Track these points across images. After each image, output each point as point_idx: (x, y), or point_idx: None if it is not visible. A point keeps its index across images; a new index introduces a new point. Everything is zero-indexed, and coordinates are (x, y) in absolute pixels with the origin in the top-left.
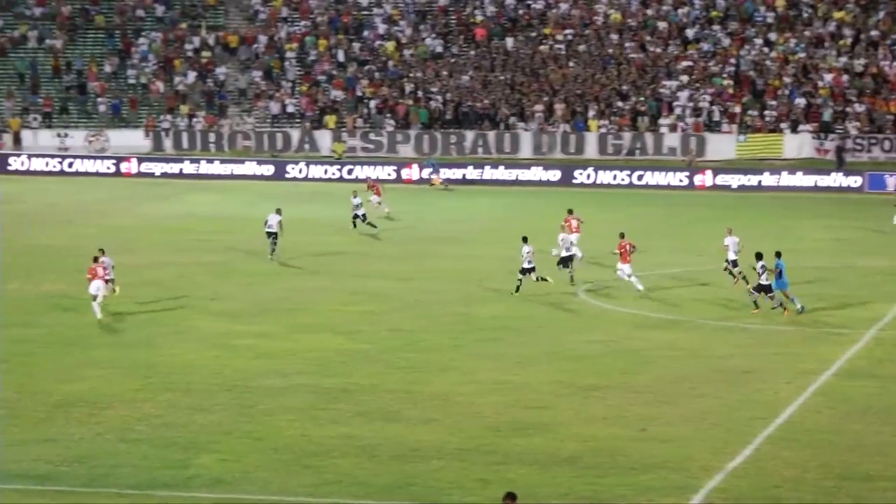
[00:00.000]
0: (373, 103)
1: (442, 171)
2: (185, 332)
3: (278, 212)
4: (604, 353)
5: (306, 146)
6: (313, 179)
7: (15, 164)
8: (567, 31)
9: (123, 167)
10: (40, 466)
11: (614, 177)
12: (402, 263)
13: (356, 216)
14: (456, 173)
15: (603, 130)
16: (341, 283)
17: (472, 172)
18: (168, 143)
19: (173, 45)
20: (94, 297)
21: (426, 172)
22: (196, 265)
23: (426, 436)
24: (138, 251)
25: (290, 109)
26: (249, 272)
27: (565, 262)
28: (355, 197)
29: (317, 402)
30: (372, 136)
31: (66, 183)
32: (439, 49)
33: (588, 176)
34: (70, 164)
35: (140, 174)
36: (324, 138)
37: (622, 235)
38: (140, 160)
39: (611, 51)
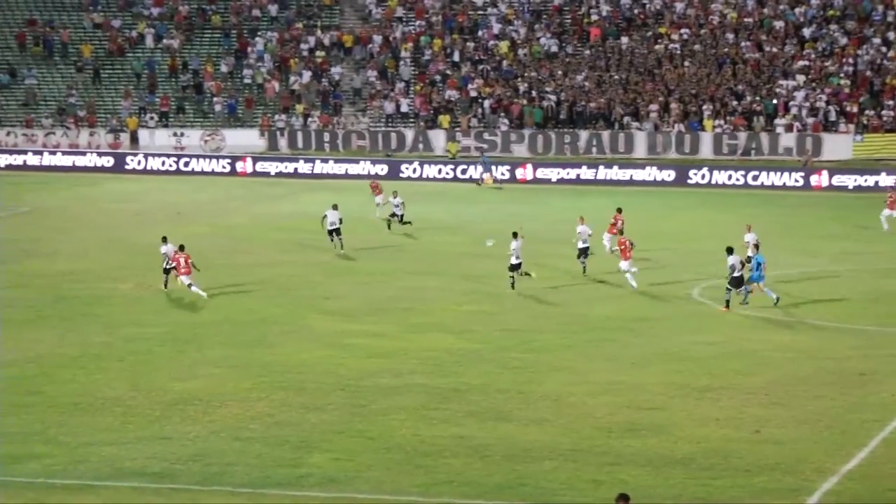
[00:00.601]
0: (487, 103)
1: (518, 169)
2: (299, 331)
3: (335, 207)
4: (718, 354)
5: (420, 146)
6: (427, 179)
7: (132, 163)
8: (683, 31)
9: (239, 166)
10: (156, 464)
11: (729, 177)
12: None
13: (393, 215)
14: (570, 173)
15: (718, 130)
16: (455, 283)
17: (586, 172)
18: (283, 143)
19: (289, 45)
20: (189, 286)
21: (479, 170)
22: (310, 264)
23: (538, 436)
24: (253, 250)
25: (404, 109)
26: (363, 271)
27: (584, 252)
28: (395, 197)
29: (429, 402)
30: (486, 136)
31: (181, 182)
32: (554, 48)
33: (703, 176)
34: (186, 164)
35: (255, 173)
36: (438, 138)
37: (621, 232)
38: (255, 160)
39: (726, 50)
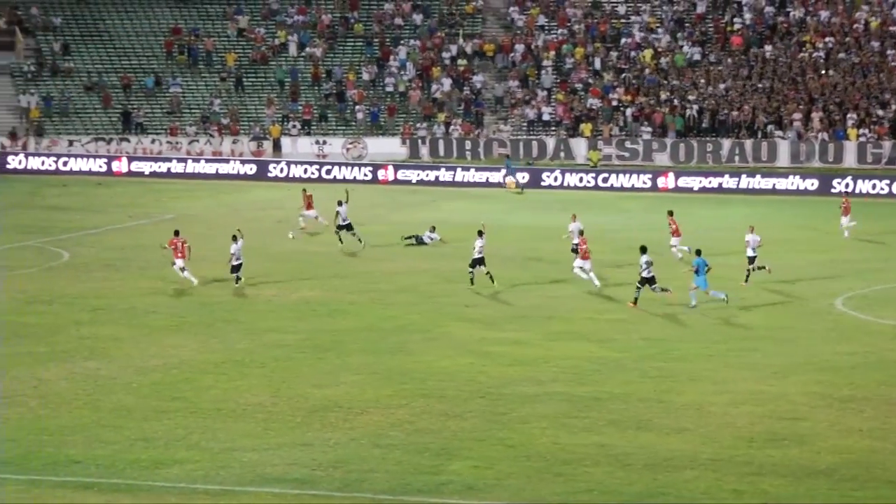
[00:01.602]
0: (629, 111)
1: (659, 178)
2: (440, 339)
3: (340, 203)
4: (860, 364)
5: (561, 154)
6: (568, 187)
7: (274, 170)
8: (827, 39)
9: (380, 174)
10: (297, 471)
11: (873, 186)
12: (656, 272)
13: (345, 227)
14: (712, 182)
15: (862, 139)
16: (596, 292)
17: (728, 181)
18: (424, 151)
19: (431, 54)
20: (182, 269)
21: (503, 175)
22: (450, 272)
23: (679, 445)
24: (393, 258)
25: (545, 117)
26: (504, 279)
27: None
28: (341, 205)
29: (570, 410)
30: (627, 145)
31: (324, 189)
32: (696, 57)
33: (847, 185)
34: (328, 171)
35: (396, 181)
36: (579, 146)
37: (581, 233)
38: (396, 167)
39: (871, 58)
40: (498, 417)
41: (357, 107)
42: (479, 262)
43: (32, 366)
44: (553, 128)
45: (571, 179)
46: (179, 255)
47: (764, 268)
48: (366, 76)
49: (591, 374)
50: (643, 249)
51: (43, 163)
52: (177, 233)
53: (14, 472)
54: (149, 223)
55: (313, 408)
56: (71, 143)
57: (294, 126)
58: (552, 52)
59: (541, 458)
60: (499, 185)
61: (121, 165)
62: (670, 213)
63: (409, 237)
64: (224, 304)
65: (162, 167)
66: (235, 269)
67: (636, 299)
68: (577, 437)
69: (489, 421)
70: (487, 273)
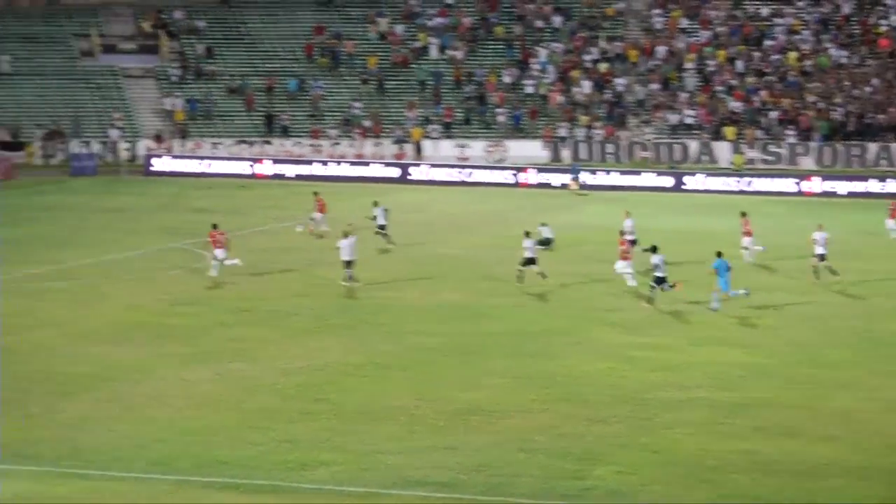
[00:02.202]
0: (773, 114)
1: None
2: (583, 343)
3: (376, 204)
4: None
5: (705, 157)
6: (712, 191)
7: (416, 173)
8: None
9: (521, 177)
10: (441, 474)
11: None
12: (799, 279)
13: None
14: (858, 186)
15: None
16: (740, 297)
17: (874, 186)
18: (566, 154)
19: (572, 56)
20: (223, 260)
21: (569, 177)
22: (592, 276)
23: (827, 453)
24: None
25: (688, 120)
26: (645, 284)
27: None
28: (376, 206)
29: (715, 416)
30: (771, 148)
31: (465, 193)
32: (842, 59)
33: None
34: (469, 174)
35: (538, 184)
36: (722, 150)
37: (621, 233)
38: (538, 170)
39: None
40: (642, 423)
41: (498, 110)
42: (531, 261)
43: (178, 367)
44: (695, 131)
45: (714, 183)
46: (219, 245)
47: (836, 273)
48: (507, 79)
49: (736, 380)
50: (654, 249)
51: (187, 165)
52: (215, 226)
53: (162, 472)
54: (292, 225)
55: (457, 411)
56: (215, 145)
57: (435, 129)
58: (694, 55)
59: (686, 464)
60: (642, 188)
61: (264, 168)
62: (743, 214)
63: (539, 242)
64: (367, 306)
65: (305, 170)
66: (347, 264)
67: (650, 299)
68: (722, 443)
69: (633, 426)
70: (540, 272)
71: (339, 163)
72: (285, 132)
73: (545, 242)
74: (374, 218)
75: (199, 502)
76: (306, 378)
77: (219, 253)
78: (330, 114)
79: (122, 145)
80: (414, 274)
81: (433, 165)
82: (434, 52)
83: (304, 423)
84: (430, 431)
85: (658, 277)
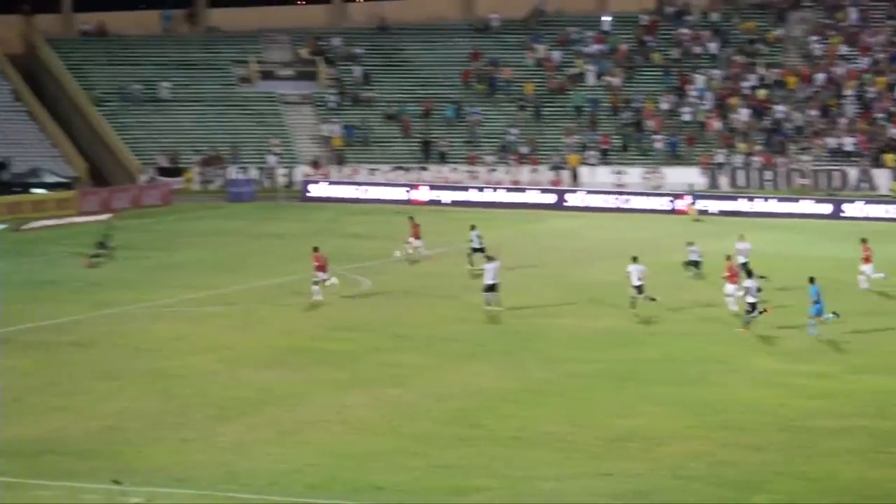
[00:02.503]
0: None
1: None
2: (740, 370)
3: (473, 228)
4: None
5: (864, 184)
6: (871, 218)
7: (572, 199)
8: None
9: (679, 204)
10: (597, 500)
11: None
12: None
13: (475, 250)
14: None
15: None
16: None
17: None
18: (723, 181)
19: (729, 83)
20: (325, 280)
21: (687, 202)
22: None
23: None
24: (692, 288)
25: (847, 147)
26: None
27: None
28: (473, 230)
29: (875, 445)
30: None
31: (621, 219)
32: None
33: None
34: (626, 201)
35: (698, 211)
36: (882, 177)
37: (728, 258)
38: (695, 197)
39: None
40: (800, 451)
41: (655, 136)
42: (640, 289)
43: (335, 392)
44: (854, 158)
45: (874, 210)
46: (321, 268)
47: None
48: (664, 105)
49: None
50: (749, 273)
51: (344, 191)
52: (316, 249)
53: (318, 496)
54: (449, 251)
55: (613, 437)
56: (372, 171)
57: (592, 155)
58: (854, 81)
59: (846, 492)
60: (800, 215)
61: (420, 194)
62: (864, 241)
63: (687, 264)
64: (523, 332)
65: (461, 196)
66: (490, 288)
67: (746, 323)
68: (882, 472)
69: (791, 454)
70: (650, 298)
71: (495, 189)
72: (442, 158)
73: (694, 264)
74: (471, 241)
75: None
76: (462, 403)
77: (321, 275)
78: (486, 140)
79: (280, 171)
80: (570, 300)
81: (589, 192)
82: (591, 79)
83: (459, 449)
84: (585, 457)
85: (750, 303)
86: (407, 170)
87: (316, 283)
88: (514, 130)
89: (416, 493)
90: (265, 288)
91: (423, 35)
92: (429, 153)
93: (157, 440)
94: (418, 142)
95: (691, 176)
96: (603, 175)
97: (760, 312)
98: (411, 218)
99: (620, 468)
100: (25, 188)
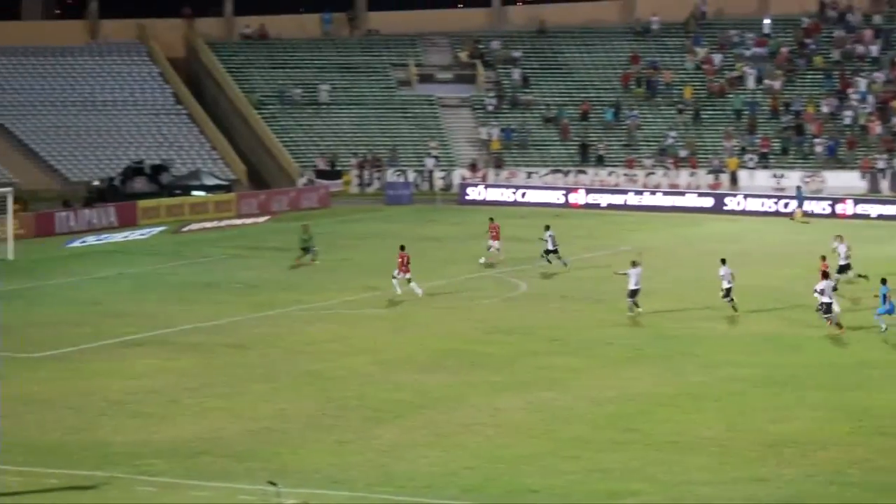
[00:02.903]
0: None
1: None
2: None
3: (547, 228)
4: None
5: None
6: None
7: (731, 203)
8: None
9: (839, 208)
10: None
11: None
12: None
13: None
14: None
15: None
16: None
17: None
18: (885, 185)
19: (892, 86)
20: (409, 281)
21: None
22: None
23: None
24: (848, 293)
25: None
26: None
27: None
28: (547, 230)
29: None
30: None
31: (779, 223)
32: None
33: None
34: (785, 205)
35: (855, 215)
36: None
37: (823, 258)
38: (856, 201)
39: None
40: None
41: (815, 140)
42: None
43: (490, 395)
44: None
45: None
46: (404, 269)
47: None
48: (825, 108)
49: None
50: (825, 275)
51: (502, 194)
52: (402, 248)
53: (473, 499)
54: (606, 255)
55: (769, 443)
56: (529, 174)
57: (751, 159)
58: None
59: None
60: None
61: (578, 197)
62: None
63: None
64: (681, 336)
65: (619, 199)
66: (633, 293)
67: (839, 324)
68: None
69: None
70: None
71: (653, 193)
72: (600, 161)
73: (845, 269)
74: (546, 241)
75: None
76: (617, 408)
77: (402, 274)
78: (645, 143)
79: (438, 174)
80: (727, 305)
81: (748, 195)
82: (751, 82)
83: (614, 453)
84: (741, 463)
85: (824, 303)
86: (565, 173)
87: (395, 278)
88: (672, 134)
89: (571, 497)
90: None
91: (582, 38)
92: (586, 156)
93: (314, 442)
94: (576, 145)
95: (851, 180)
96: (762, 179)
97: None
98: (492, 219)
99: (776, 473)
100: (185, 191)
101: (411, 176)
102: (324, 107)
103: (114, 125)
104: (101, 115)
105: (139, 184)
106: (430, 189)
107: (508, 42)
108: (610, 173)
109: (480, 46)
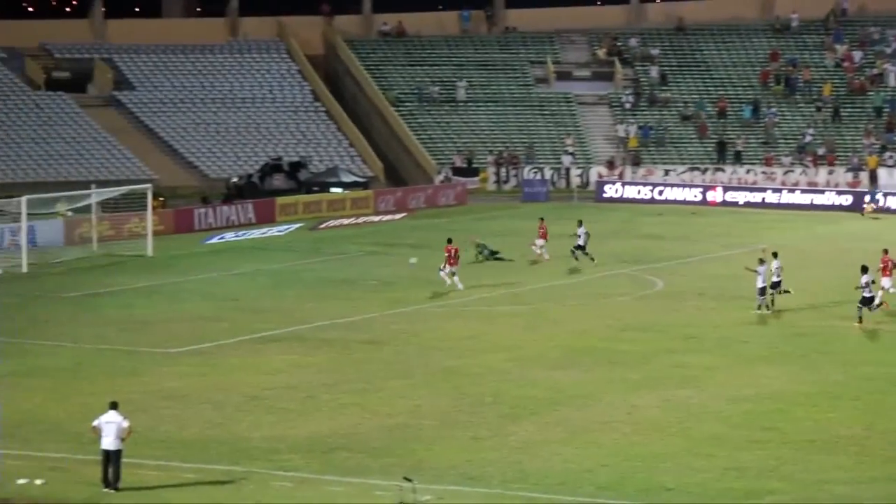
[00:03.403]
0: None
1: None
2: None
3: (580, 224)
4: None
5: None
6: None
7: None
8: None
9: None
10: None
11: None
12: None
13: (578, 247)
14: None
15: None
16: None
17: None
18: None
19: None
20: (452, 274)
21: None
22: None
23: None
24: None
25: None
26: None
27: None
28: (580, 227)
29: None
30: None
31: None
32: None
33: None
34: None
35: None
36: None
37: (886, 251)
38: None
39: None
40: None
41: None
42: (777, 284)
43: (626, 392)
44: None
45: None
46: (452, 262)
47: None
48: None
49: None
50: (864, 269)
51: (639, 192)
52: (450, 240)
53: (608, 497)
54: (742, 253)
55: None
56: (666, 172)
57: (891, 157)
58: None
59: None
60: None
61: (715, 195)
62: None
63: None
64: (819, 335)
65: (756, 197)
66: (763, 290)
67: (860, 318)
68: None
69: None
70: (782, 291)
71: (791, 190)
72: (738, 159)
73: None
74: (578, 237)
75: None
76: (754, 406)
77: (449, 267)
78: (783, 141)
79: (574, 171)
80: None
81: (888, 194)
82: (892, 80)
83: (750, 451)
84: (879, 462)
85: (865, 298)
86: (702, 171)
87: (442, 270)
88: (811, 131)
89: (706, 496)
90: (557, 288)
91: (721, 35)
92: (724, 154)
93: (449, 438)
94: (714, 143)
95: None
96: None
97: (877, 306)
98: (542, 219)
99: None
100: (323, 188)
101: (548, 173)
102: (461, 104)
103: (253, 122)
104: (240, 113)
105: (277, 181)
106: (566, 186)
107: (647, 39)
108: (748, 171)
109: (619, 44)
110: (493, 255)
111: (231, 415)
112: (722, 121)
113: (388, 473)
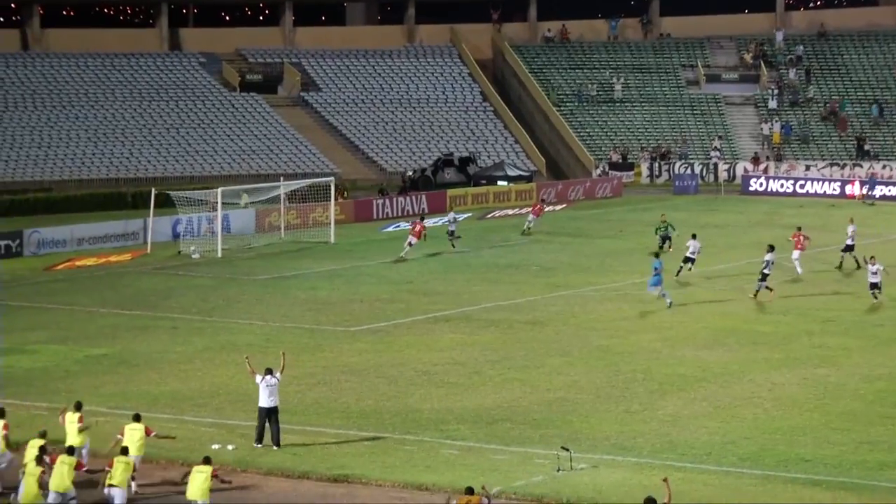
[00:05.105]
0: None
1: None
2: None
3: (694, 237)
4: None
5: None
6: None
7: None
8: None
9: None
10: None
11: None
12: None
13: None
14: None
15: None
16: None
17: None
18: None
19: None
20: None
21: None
22: None
23: None
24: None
25: None
26: None
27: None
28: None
29: None
30: None
31: None
32: None
33: None
34: None
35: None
36: None
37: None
38: None
39: None
40: None
41: None
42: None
43: (767, 370)
44: None
45: None
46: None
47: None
48: None
49: None
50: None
51: (781, 185)
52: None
53: (749, 467)
54: (877, 242)
55: None
56: (807, 167)
57: None
58: None
59: None
60: None
61: (853, 189)
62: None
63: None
64: None
65: (892, 191)
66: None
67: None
68: None
69: None
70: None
71: None
72: (873, 156)
73: None
74: (688, 248)
75: (784, 497)
76: (887, 384)
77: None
78: None
79: (722, 166)
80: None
81: None
82: None
83: (883, 426)
84: None
85: (872, 283)
86: (841, 167)
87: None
88: None
89: (841, 467)
90: (705, 273)
91: (860, 40)
92: (862, 151)
93: (603, 412)
94: (853, 140)
95: None
96: None
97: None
98: (543, 200)
99: None
100: (490, 181)
101: (697, 168)
102: (618, 104)
103: (426, 121)
104: (415, 112)
105: (449, 174)
106: (714, 180)
107: (791, 44)
108: (884, 166)
109: (764, 48)
110: (665, 240)
111: (404, 388)
112: (860, 119)
113: (547, 443)
